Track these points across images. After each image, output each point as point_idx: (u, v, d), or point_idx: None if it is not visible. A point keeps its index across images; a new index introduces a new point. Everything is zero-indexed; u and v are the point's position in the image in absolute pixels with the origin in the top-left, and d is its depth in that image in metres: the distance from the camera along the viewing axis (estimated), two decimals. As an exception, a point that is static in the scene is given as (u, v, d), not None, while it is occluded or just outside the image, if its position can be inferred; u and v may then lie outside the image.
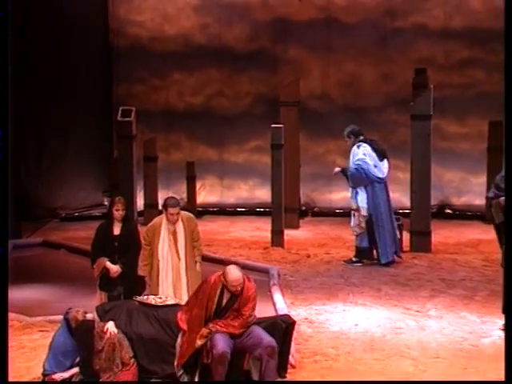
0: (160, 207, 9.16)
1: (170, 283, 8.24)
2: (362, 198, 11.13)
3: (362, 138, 11.18)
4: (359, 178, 11.07)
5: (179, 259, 8.28)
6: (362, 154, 11.06)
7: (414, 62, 13.78)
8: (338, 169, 11.47)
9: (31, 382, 6.99)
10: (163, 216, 8.30)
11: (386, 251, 11.19)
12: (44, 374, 7.09)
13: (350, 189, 11.27)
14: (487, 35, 14.03)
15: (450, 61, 14.26)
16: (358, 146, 11.12)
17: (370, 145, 11.16)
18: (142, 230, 9.03)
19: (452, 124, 14.20)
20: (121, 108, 13.31)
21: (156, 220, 8.42)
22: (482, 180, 13.67)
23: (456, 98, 14.05)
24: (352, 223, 11.31)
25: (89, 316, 7.33)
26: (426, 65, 13.53)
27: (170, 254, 8.23)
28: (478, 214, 13.61)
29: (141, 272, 8.24)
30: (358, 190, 11.16)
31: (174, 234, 8.25)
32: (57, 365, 7.07)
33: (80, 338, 7.09)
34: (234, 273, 7.10)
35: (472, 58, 14.18)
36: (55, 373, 7.05)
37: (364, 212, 11.12)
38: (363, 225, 11.17)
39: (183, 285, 8.28)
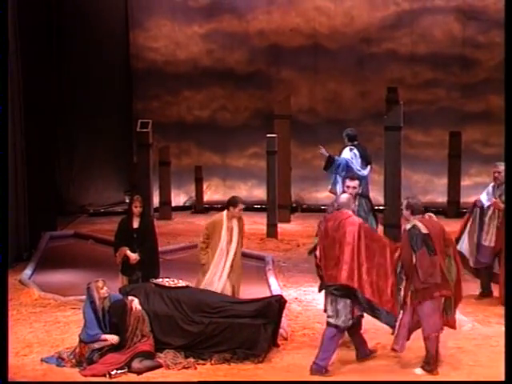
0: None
1: (227, 271, 7.97)
2: (340, 189, 11.01)
3: (355, 143, 10.97)
4: (336, 168, 10.63)
5: (229, 251, 8.02)
6: (351, 156, 10.96)
7: (387, 82, 13.72)
8: (324, 152, 10.94)
9: (31, 382, 6.77)
10: (223, 213, 8.02)
11: None
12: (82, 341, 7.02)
13: (333, 176, 11.03)
14: (447, 59, 14.00)
15: (417, 81, 14.20)
16: (351, 150, 11.01)
17: (360, 151, 11.00)
18: (157, 223, 8.99)
19: (418, 134, 14.14)
20: (139, 121, 13.28)
21: (216, 217, 8.11)
22: (443, 181, 13.65)
23: (422, 113, 13.99)
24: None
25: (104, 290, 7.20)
26: (396, 84, 13.48)
27: (226, 246, 8.00)
28: (441, 209, 13.55)
29: (202, 261, 7.97)
30: (337, 183, 11.02)
31: (231, 229, 8.03)
32: (87, 334, 7.02)
33: (116, 313, 7.04)
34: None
35: (435, 78, 14.12)
36: (87, 344, 6.99)
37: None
38: None
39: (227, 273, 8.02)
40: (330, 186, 11.04)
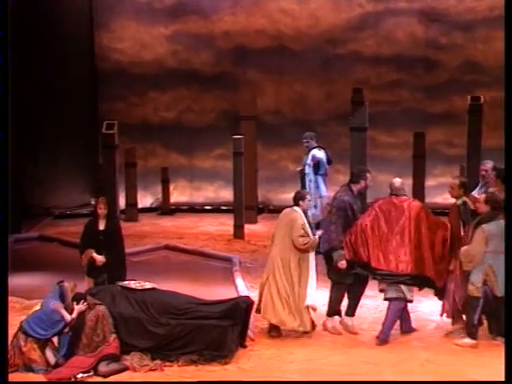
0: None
1: None
2: (324, 189, 11.17)
3: (316, 145, 11.31)
4: (322, 167, 11.09)
5: None
6: (323, 155, 11.20)
7: (352, 83, 13.76)
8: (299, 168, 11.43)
9: (31, 382, 6.78)
10: (296, 208, 7.98)
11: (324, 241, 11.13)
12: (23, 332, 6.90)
13: (312, 179, 11.21)
14: (411, 61, 14.11)
15: (381, 82, 14.29)
16: (319, 150, 11.26)
17: (324, 151, 11.30)
18: (123, 225, 8.93)
19: (383, 135, 14.22)
20: (105, 122, 13.15)
21: (295, 214, 7.99)
22: (408, 182, 13.67)
23: (386, 113, 14.07)
24: (315, 212, 11.19)
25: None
26: (361, 85, 13.54)
27: None
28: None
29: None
30: (319, 183, 11.16)
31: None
32: (35, 326, 6.91)
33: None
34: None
35: (399, 79, 14.22)
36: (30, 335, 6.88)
37: (328, 200, 11.08)
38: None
39: None
40: (313, 191, 11.12)
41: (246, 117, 13.41)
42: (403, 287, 7.55)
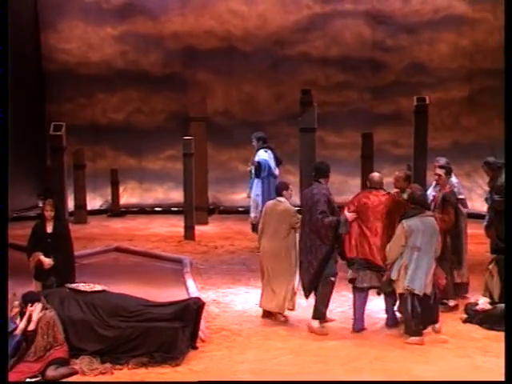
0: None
1: None
2: (258, 191, 11.19)
3: (266, 145, 11.32)
4: (263, 169, 11.05)
5: None
6: (268, 157, 11.20)
7: (301, 84, 13.84)
8: (254, 162, 11.37)
9: (32, 382, 6.69)
10: (280, 199, 8.30)
11: None
12: None
13: (252, 180, 11.26)
14: (358, 62, 14.26)
15: (329, 83, 14.40)
16: (266, 151, 11.28)
17: (273, 152, 11.32)
18: (72, 227, 8.82)
19: (332, 135, 14.34)
20: (52, 124, 12.97)
21: (284, 204, 8.28)
22: (357, 182, 13.86)
23: (335, 114, 14.19)
24: (253, 213, 11.26)
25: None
26: (310, 86, 13.61)
27: None
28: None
29: None
30: (255, 184, 11.19)
31: None
32: None
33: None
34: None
35: (346, 81, 14.36)
36: None
37: (256, 202, 11.14)
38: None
39: None
40: (248, 191, 11.20)
41: (196, 118, 13.38)
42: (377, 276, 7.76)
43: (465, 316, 8.17)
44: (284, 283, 8.12)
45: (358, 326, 7.90)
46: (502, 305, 8.00)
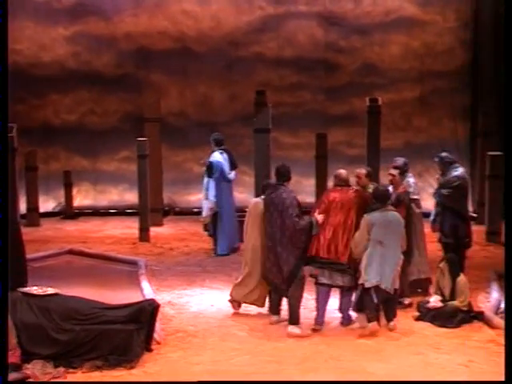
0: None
1: None
2: (213, 193, 11.15)
3: (223, 147, 11.28)
4: (215, 170, 11.01)
5: None
6: (222, 159, 11.15)
7: (255, 85, 13.89)
8: (206, 161, 11.31)
9: (32, 382, 6.58)
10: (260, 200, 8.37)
11: (223, 244, 11.19)
12: None
13: (205, 181, 11.23)
14: (311, 63, 14.36)
15: (283, 84, 14.47)
16: (221, 153, 11.23)
17: (228, 155, 11.27)
18: (24, 230, 8.68)
19: (287, 136, 14.41)
20: (3, 125, 12.71)
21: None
22: (311, 182, 13.97)
23: (289, 115, 14.27)
24: (204, 214, 11.25)
25: None
26: (264, 87, 13.66)
27: None
28: (309, 209, 13.86)
29: None
30: (210, 185, 11.16)
31: None
32: None
33: None
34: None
35: (300, 82, 14.45)
36: None
37: (212, 204, 11.13)
38: (210, 216, 11.14)
39: None
40: (204, 192, 11.17)
41: (150, 119, 13.32)
42: (342, 274, 7.88)
43: (417, 314, 8.30)
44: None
45: (320, 320, 7.99)
46: (453, 302, 8.16)
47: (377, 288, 7.74)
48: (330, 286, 8.00)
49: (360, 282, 7.79)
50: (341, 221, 7.86)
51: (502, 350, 7.21)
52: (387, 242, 7.75)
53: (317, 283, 8.00)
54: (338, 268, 7.87)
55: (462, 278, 8.27)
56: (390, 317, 7.90)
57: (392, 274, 7.75)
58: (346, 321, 8.10)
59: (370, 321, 7.78)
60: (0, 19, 6.35)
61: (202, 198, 11.32)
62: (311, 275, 8.01)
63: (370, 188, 8.29)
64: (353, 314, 8.16)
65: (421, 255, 8.87)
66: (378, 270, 7.70)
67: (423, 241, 9.00)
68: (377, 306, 7.80)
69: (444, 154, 9.39)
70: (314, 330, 7.92)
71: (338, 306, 8.18)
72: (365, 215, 7.81)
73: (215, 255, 11.16)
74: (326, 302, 8.05)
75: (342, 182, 8.10)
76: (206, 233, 11.53)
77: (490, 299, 8.79)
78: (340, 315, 8.17)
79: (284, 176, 8.08)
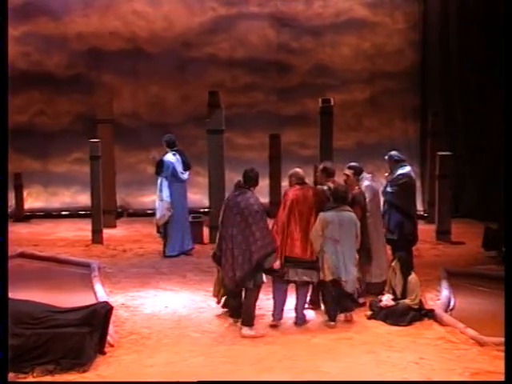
0: None
1: None
2: (167, 194, 11.11)
3: (175, 148, 11.24)
4: (165, 169, 10.96)
5: None
6: (175, 160, 11.12)
7: (208, 86, 13.86)
8: (156, 156, 11.24)
9: (31, 382, 6.49)
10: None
11: (173, 245, 11.15)
12: None
13: (158, 182, 11.19)
14: (264, 64, 14.40)
15: (236, 85, 14.48)
16: (174, 154, 11.20)
17: (181, 156, 11.25)
18: None
19: (240, 137, 14.42)
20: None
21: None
22: (265, 183, 13.97)
23: (242, 116, 14.28)
24: (158, 215, 11.18)
25: None
26: (217, 88, 13.65)
27: None
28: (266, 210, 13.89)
29: None
30: (164, 185, 11.12)
31: None
32: None
33: None
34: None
35: (253, 82, 14.47)
36: None
37: (168, 205, 11.08)
38: (167, 216, 11.09)
39: None
40: (158, 193, 11.12)
41: (103, 120, 13.20)
42: (310, 271, 7.99)
43: (369, 312, 8.40)
44: None
45: (277, 317, 8.05)
46: (405, 301, 8.28)
47: (335, 283, 7.90)
48: (289, 282, 8.05)
49: (321, 278, 7.92)
50: (306, 220, 7.94)
51: (452, 346, 7.39)
52: (342, 241, 7.91)
53: (276, 280, 8.03)
54: (308, 266, 7.96)
55: (413, 277, 8.40)
56: (347, 308, 8.10)
57: (353, 272, 7.98)
58: (301, 320, 8.16)
59: (331, 319, 7.98)
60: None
61: (156, 199, 11.26)
62: (278, 274, 7.99)
63: (329, 186, 8.34)
64: (307, 313, 8.23)
65: (381, 257, 8.94)
66: (340, 266, 7.90)
67: (384, 244, 9.09)
68: (336, 300, 7.99)
69: (393, 153, 9.52)
70: (273, 326, 7.96)
71: (293, 305, 8.23)
72: (321, 213, 7.92)
73: (164, 256, 11.09)
74: (284, 298, 8.12)
75: (300, 180, 8.16)
76: (158, 234, 11.47)
77: (440, 297, 8.94)
78: (294, 315, 8.21)
79: (252, 180, 8.04)
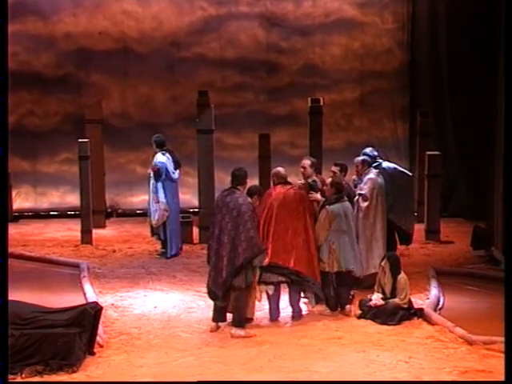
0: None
1: None
2: (162, 195, 11.10)
3: (165, 148, 11.24)
4: (161, 174, 10.95)
5: None
6: (166, 160, 11.11)
7: (197, 86, 13.81)
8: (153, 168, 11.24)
9: (31, 382, 6.47)
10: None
11: (173, 245, 11.17)
12: None
13: (151, 184, 11.16)
14: (254, 64, 14.39)
15: (226, 85, 14.46)
16: (163, 154, 11.19)
17: (171, 155, 11.24)
18: None
19: (230, 137, 14.40)
20: None
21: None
22: (255, 182, 13.90)
23: (232, 116, 14.26)
24: (156, 217, 11.11)
25: None
26: (207, 88, 13.59)
27: None
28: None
29: None
30: (159, 187, 11.11)
31: None
32: None
33: None
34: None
35: (243, 82, 14.45)
36: None
37: (165, 206, 11.06)
38: (165, 217, 11.07)
39: None
40: (152, 195, 11.09)
41: (92, 120, 13.16)
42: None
43: (359, 312, 8.41)
44: None
45: (274, 316, 8.10)
46: (394, 300, 8.30)
47: (338, 274, 8.11)
48: (279, 283, 8.08)
49: (335, 269, 8.05)
50: (292, 223, 7.93)
51: (441, 345, 7.42)
52: (348, 231, 8.18)
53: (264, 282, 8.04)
54: (284, 272, 7.95)
55: (402, 276, 8.42)
56: (347, 301, 8.26)
57: (359, 257, 8.32)
58: (297, 314, 8.19)
59: (332, 309, 8.19)
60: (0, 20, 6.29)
61: (151, 201, 11.19)
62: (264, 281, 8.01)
63: (314, 179, 8.41)
64: (302, 306, 8.26)
65: (379, 248, 9.03)
66: (349, 257, 8.12)
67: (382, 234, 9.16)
68: (335, 291, 8.16)
69: (367, 151, 9.70)
70: (272, 321, 8.07)
71: (288, 301, 8.24)
72: (326, 206, 8.01)
73: (165, 257, 11.06)
74: (277, 295, 8.15)
75: (282, 179, 8.16)
76: (154, 237, 11.41)
77: (429, 296, 8.97)
78: (291, 310, 8.25)
79: (239, 179, 8.02)
